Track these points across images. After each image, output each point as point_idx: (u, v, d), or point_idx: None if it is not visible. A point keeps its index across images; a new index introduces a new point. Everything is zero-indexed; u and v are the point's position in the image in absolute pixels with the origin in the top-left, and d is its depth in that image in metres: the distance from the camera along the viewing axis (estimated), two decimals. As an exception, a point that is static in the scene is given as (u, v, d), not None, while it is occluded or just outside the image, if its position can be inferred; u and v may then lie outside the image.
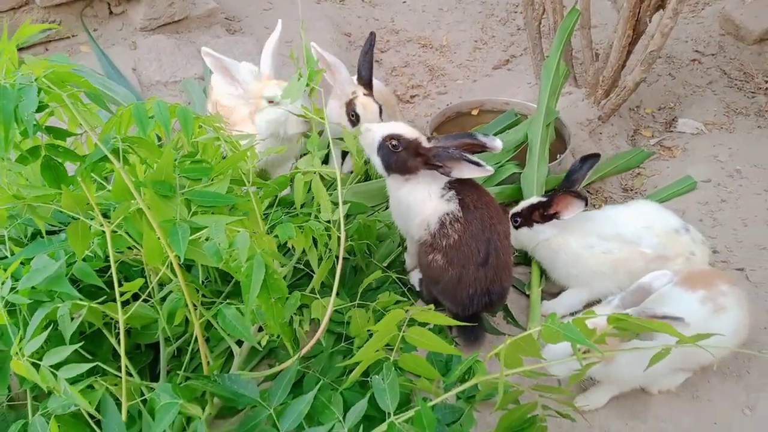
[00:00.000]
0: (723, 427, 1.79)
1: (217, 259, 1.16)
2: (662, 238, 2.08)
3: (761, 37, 3.74)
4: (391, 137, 1.94)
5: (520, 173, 2.66)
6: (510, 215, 2.25)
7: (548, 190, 2.54)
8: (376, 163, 2.00)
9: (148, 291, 1.48)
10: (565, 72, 2.89)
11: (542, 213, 2.14)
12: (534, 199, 2.23)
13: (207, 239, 1.20)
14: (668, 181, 2.94)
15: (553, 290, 2.25)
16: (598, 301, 2.08)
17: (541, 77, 2.92)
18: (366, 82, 2.50)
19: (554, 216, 2.11)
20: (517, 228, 2.22)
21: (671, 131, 3.36)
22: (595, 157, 2.26)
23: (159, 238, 1.26)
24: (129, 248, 1.58)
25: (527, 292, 2.23)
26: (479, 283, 1.93)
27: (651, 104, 3.52)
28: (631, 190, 3.02)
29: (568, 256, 2.11)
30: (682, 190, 2.84)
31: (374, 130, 1.98)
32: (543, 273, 2.28)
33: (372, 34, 2.50)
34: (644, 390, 1.87)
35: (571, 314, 2.17)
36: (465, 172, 1.90)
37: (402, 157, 1.94)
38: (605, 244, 2.08)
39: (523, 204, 2.26)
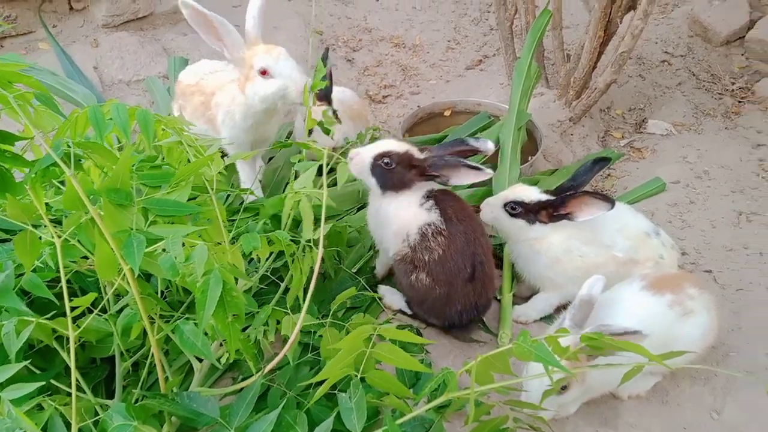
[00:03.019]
0: (692, 432, 1.79)
1: (172, 273, 1.10)
2: (633, 242, 2.08)
3: (728, 40, 3.81)
4: (381, 155, 1.91)
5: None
6: (507, 201, 2.07)
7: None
8: (371, 184, 1.96)
9: (102, 304, 1.40)
10: (536, 73, 2.88)
11: (552, 213, 2.01)
12: (538, 194, 2.05)
13: (164, 251, 1.14)
14: (638, 182, 2.96)
15: (524, 294, 2.24)
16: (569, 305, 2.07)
17: (512, 78, 2.90)
18: (323, 96, 2.45)
19: (565, 217, 1.99)
20: (513, 216, 2.06)
21: (641, 132, 3.39)
22: (606, 160, 2.15)
23: (113, 250, 1.19)
24: (84, 258, 1.51)
25: (498, 297, 2.21)
26: (468, 298, 1.92)
27: (621, 105, 3.54)
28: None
29: (549, 258, 2.06)
30: (652, 191, 2.86)
31: (362, 153, 1.94)
32: (514, 277, 2.25)
33: (326, 50, 2.46)
34: (614, 395, 1.86)
35: (542, 318, 2.16)
36: (464, 177, 1.89)
37: (398, 173, 1.91)
38: (583, 248, 2.05)
39: (523, 193, 2.07)
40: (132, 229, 1.18)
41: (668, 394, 1.90)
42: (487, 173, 1.85)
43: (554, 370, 1.16)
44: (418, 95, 3.63)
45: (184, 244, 1.17)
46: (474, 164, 1.85)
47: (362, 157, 1.92)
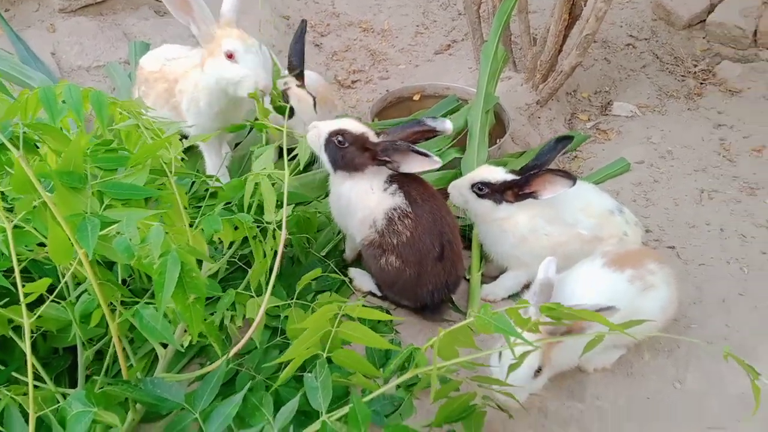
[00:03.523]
0: (655, 402, 1.84)
1: (128, 255, 1.07)
2: (597, 220, 2.11)
3: (690, 23, 3.88)
4: (337, 133, 1.89)
5: (461, 158, 2.66)
6: (474, 182, 2.08)
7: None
8: (323, 159, 1.95)
9: (57, 290, 1.36)
10: (503, 56, 2.89)
11: (517, 192, 2.03)
12: (504, 174, 2.06)
13: (119, 234, 1.11)
14: (604, 163, 3.01)
15: (493, 274, 2.26)
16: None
17: (480, 61, 2.91)
18: (297, 73, 2.42)
19: (530, 195, 2.00)
20: (480, 197, 2.07)
21: (607, 115, 3.44)
22: (569, 139, 2.16)
23: (67, 234, 1.15)
24: (41, 245, 1.47)
25: (467, 277, 2.22)
26: (438, 277, 1.93)
27: (587, 88, 3.59)
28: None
29: (516, 238, 2.08)
30: (617, 171, 2.91)
31: (320, 127, 1.93)
32: (483, 257, 2.27)
33: (303, 22, 2.41)
34: (581, 369, 1.90)
35: (510, 296, 2.18)
36: (414, 165, 1.87)
37: (350, 153, 1.89)
38: (548, 227, 2.08)
39: (489, 174, 2.08)
40: (86, 213, 1.15)
41: (633, 366, 1.95)
42: (435, 161, 1.82)
43: (518, 342, 1.18)
44: (387, 80, 3.61)
45: (140, 228, 1.15)
46: (423, 150, 1.83)
47: (319, 130, 1.91)
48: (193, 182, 2.29)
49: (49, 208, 1.15)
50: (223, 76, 1.99)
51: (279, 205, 1.63)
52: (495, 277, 2.23)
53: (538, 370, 1.62)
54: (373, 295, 2.09)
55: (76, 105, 1.26)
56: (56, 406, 1.25)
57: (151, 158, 1.34)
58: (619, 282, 1.78)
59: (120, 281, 1.50)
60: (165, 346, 1.52)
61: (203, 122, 2.16)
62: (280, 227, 1.59)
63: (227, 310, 1.70)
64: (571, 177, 1.94)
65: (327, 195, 2.37)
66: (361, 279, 2.09)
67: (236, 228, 1.61)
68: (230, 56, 1.98)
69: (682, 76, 3.65)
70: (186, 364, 1.76)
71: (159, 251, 1.07)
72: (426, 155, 1.83)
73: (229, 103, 2.10)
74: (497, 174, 2.08)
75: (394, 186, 1.90)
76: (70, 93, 1.26)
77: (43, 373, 1.39)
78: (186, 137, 2.31)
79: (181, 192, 1.35)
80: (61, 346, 1.66)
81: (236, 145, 2.68)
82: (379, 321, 1.94)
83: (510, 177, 2.06)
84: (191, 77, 2.13)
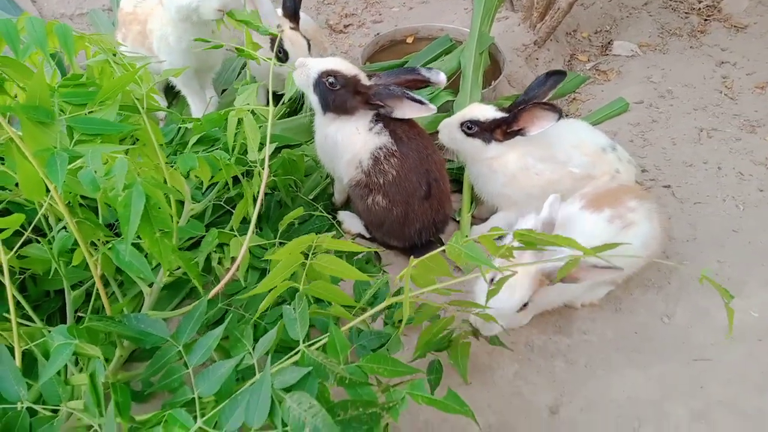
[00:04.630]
0: (642, 336, 1.85)
1: (93, 188, 1.06)
2: (590, 157, 2.07)
3: (696, -44, 3.70)
4: (328, 73, 1.83)
5: (453, 101, 2.60)
6: (464, 120, 2.03)
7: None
8: (312, 100, 1.90)
9: (33, 228, 1.36)
10: (498, -7, 2.79)
11: (506, 130, 1.98)
12: (494, 112, 2.01)
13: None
14: (603, 104, 2.94)
15: (484, 216, 2.24)
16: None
17: (474, 0, 2.81)
18: (291, 14, 2.34)
19: (519, 132, 1.96)
20: (469, 136, 2.02)
21: (607, 55, 3.34)
22: (561, 74, 2.07)
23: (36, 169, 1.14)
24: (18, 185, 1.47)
25: (457, 219, 2.21)
26: (425, 216, 1.91)
27: (587, 28, 3.47)
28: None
29: (506, 177, 2.04)
30: (615, 112, 2.85)
31: (310, 65, 1.86)
32: (473, 199, 2.25)
33: None
34: (568, 305, 1.90)
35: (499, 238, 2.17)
36: (408, 111, 1.83)
37: (341, 96, 1.84)
38: (538, 165, 2.04)
39: (479, 112, 2.03)
40: (55, 148, 1.14)
41: (621, 302, 1.95)
42: (431, 108, 1.79)
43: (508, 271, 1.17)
44: (380, 24, 3.51)
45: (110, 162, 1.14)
46: (418, 97, 1.79)
47: (308, 69, 1.85)
48: (180, 128, 2.27)
49: (16, 143, 1.13)
50: (180, 3, 1.94)
51: (263, 145, 1.60)
52: (485, 220, 2.22)
53: (524, 305, 1.63)
54: (362, 237, 2.08)
55: (39, 38, 1.23)
56: (41, 340, 1.27)
57: (123, 94, 1.31)
58: (599, 223, 1.74)
59: (105, 224, 1.50)
60: (152, 286, 1.53)
61: (176, 60, 2.11)
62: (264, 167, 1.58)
63: (214, 252, 1.72)
64: (556, 110, 1.88)
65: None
66: (350, 221, 2.08)
67: (220, 170, 1.60)
68: None
69: (686, 12, 3.52)
70: (177, 305, 1.78)
71: (123, 183, 1.06)
72: (421, 102, 1.79)
73: (199, 34, 2.04)
74: (486, 112, 2.04)
75: (380, 125, 1.87)
76: (32, 26, 1.23)
77: (29, 311, 1.41)
78: (173, 87, 2.26)
79: (155, 128, 1.33)
80: (52, 288, 1.68)
81: (223, 91, 2.64)
82: (367, 262, 1.95)
83: (499, 115, 2.02)
84: (156, 15, 2.08)
